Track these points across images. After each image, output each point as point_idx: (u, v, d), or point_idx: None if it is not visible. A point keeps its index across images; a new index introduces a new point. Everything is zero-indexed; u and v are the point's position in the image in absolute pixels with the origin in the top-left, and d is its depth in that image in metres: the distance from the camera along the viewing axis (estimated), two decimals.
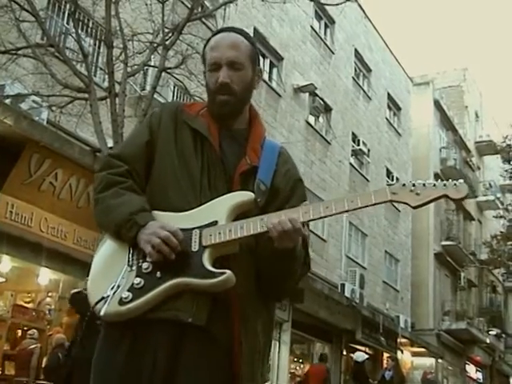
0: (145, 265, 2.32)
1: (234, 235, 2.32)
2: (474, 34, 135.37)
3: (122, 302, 2.27)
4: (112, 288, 2.29)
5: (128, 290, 2.28)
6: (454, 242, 32.80)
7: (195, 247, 2.32)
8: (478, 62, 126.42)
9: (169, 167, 2.49)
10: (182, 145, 2.53)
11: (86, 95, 10.79)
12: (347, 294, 21.81)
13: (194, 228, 2.36)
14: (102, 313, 2.25)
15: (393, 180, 28.66)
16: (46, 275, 12.96)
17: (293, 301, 18.86)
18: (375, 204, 2.35)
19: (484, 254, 34.87)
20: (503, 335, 39.06)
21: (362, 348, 23.81)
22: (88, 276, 2.45)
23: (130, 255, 2.37)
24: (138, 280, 2.30)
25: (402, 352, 27.06)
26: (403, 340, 26.40)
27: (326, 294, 20.58)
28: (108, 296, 2.27)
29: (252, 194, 2.40)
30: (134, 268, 2.34)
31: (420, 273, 30.86)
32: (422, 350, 29.27)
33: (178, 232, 2.31)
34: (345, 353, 23.76)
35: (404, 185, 2.36)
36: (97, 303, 2.27)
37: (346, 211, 2.37)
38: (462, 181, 2.35)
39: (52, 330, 12.82)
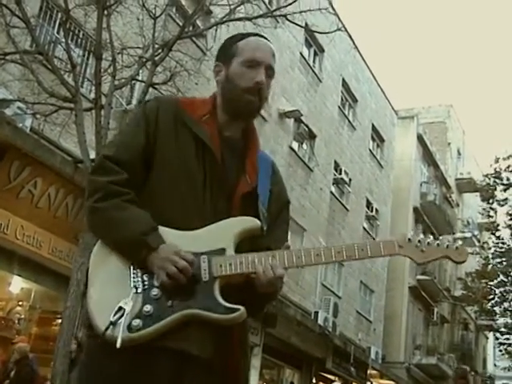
0: (154, 291, 2.26)
1: (246, 269, 2.30)
2: (459, 72, 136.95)
3: (131, 329, 2.21)
4: (117, 312, 2.22)
5: (137, 317, 2.22)
6: (429, 276, 32.86)
7: (205, 277, 2.28)
8: (462, 100, 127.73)
9: (169, 176, 2.39)
10: (185, 151, 2.42)
11: (72, 105, 10.74)
12: (320, 321, 21.73)
13: (201, 253, 2.30)
14: (118, 342, 2.17)
15: (372, 211, 28.76)
16: (17, 284, 12.81)
17: (265, 325, 18.78)
18: (384, 256, 2.42)
19: (458, 290, 34.98)
20: (472, 373, 39.08)
21: (332, 377, 23.71)
22: (87, 288, 2.35)
23: (134, 276, 2.29)
24: (148, 307, 2.24)
25: None
26: (373, 372, 26.35)
27: (298, 321, 20.50)
28: (116, 321, 2.20)
29: (258, 221, 2.37)
30: (140, 291, 2.26)
31: (394, 305, 30.86)
32: (392, 382, 29.18)
33: (195, 261, 2.27)
34: (314, 381, 23.68)
35: (410, 240, 2.41)
36: (106, 329, 2.19)
37: (354, 260, 2.43)
38: (461, 243, 2.51)
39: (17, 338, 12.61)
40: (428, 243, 2.40)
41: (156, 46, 11.63)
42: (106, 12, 10.98)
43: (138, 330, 2.21)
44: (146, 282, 2.27)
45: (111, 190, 2.34)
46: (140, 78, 12.40)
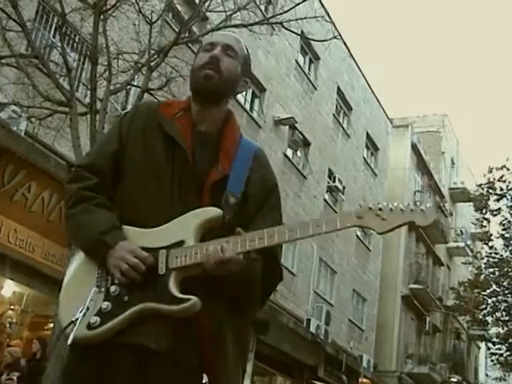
0: (113, 288, 2.30)
1: (200, 259, 2.27)
2: (454, 82, 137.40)
3: (90, 327, 2.25)
4: (81, 311, 2.26)
5: (96, 315, 2.26)
6: (421, 285, 32.88)
7: (162, 270, 2.29)
8: (457, 110, 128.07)
9: (137, 177, 2.44)
10: (152, 152, 2.47)
11: (67, 109, 10.73)
12: (312, 329, 21.72)
13: (160, 248, 2.32)
14: (69, 339, 2.21)
15: None
16: (9, 287, 12.76)
17: (257, 332, 18.74)
18: (340, 229, 2.25)
19: (451, 300, 34.95)
20: (464, 382, 39.07)
21: None
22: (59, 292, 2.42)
23: (99, 275, 2.34)
24: (105, 304, 2.28)
25: None
26: (365, 380, 26.30)
27: (291, 328, 20.49)
28: (77, 320, 2.24)
29: (219, 210, 2.34)
30: (103, 290, 2.31)
31: (386, 314, 30.86)
32: None
33: (148, 259, 2.29)
34: None
35: (370, 208, 2.25)
36: (66, 327, 2.24)
37: (311, 236, 2.27)
38: (430, 205, 2.28)
39: (11, 341, 12.57)
40: (390, 209, 2.23)
41: (152, 51, 11.64)
42: (102, 17, 10.98)
43: (95, 328, 2.24)
44: (108, 281, 2.32)
45: (81, 195, 2.45)
46: (135, 84, 12.40)
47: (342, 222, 2.25)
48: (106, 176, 2.48)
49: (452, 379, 36.58)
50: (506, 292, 30.16)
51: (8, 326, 13.28)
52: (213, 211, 2.34)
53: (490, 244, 31.22)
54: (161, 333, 2.24)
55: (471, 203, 33.80)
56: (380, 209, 2.24)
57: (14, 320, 13.34)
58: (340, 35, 18.75)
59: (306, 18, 13.48)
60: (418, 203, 2.27)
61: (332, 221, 2.25)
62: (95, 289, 2.31)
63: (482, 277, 31.19)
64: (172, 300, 2.23)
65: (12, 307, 13.38)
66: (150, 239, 2.34)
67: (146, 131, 2.51)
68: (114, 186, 2.48)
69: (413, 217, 2.22)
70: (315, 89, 24.70)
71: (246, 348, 2.50)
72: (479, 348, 45.55)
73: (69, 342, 2.21)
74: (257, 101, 21.22)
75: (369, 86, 29.77)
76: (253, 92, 21.03)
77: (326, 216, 2.30)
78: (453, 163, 41.25)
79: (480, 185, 31.07)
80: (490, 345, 33.95)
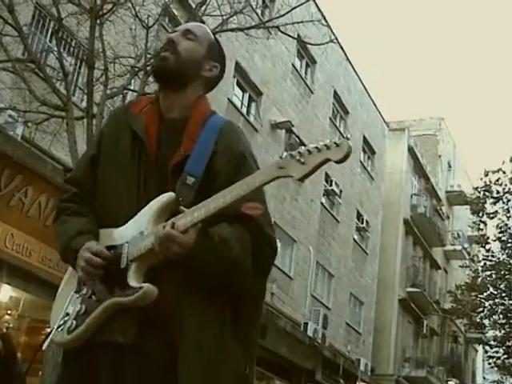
0: (84, 290, 2.33)
1: (151, 244, 2.22)
2: (451, 85, 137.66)
3: (68, 331, 2.29)
4: (62, 317, 2.31)
5: (74, 318, 2.30)
6: (419, 289, 32.90)
7: (123, 263, 2.28)
8: (453, 113, 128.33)
9: (109, 179, 2.45)
10: (121, 151, 2.47)
11: (63, 114, 10.73)
12: (310, 333, 21.70)
13: (124, 243, 2.32)
14: (44, 344, 2.26)
15: (363, 223, 28.82)
16: (6, 292, 12.73)
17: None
18: (264, 184, 2.17)
19: (448, 303, 34.97)
20: None
21: None
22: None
23: (78, 281, 2.38)
24: (79, 306, 2.31)
25: None
26: None
27: (288, 332, 20.47)
28: (59, 326, 2.30)
29: (172, 193, 2.29)
30: (80, 294, 2.35)
31: (383, 317, 30.86)
32: None
33: (103, 252, 2.29)
34: None
35: (292, 155, 2.15)
36: (47, 335, 2.30)
37: (245, 194, 2.15)
38: (345, 139, 2.14)
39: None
40: (308, 151, 2.11)
41: (148, 55, 11.63)
42: (98, 21, 10.98)
43: (72, 331, 2.28)
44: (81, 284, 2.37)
45: (59, 208, 2.56)
46: (132, 88, 12.39)
47: (264, 177, 2.17)
48: (84, 184, 2.53)
49: (449, 382, 36.59)
50: (503, 295, 30.19)
51: (5, 330, 13.24)
52: (165, 196, 2.29)
53: (487, 247, 31.23)
54: (127, 326, 2.24)
55: (468, 206, 33.84)
56: (299, 152, 2.14)
57: (11, 325, 13.29)
58: (336, 39, 18.77)
59: (302, 21, 13.50)
60: (333, 139, 2.14)
61: (260, 175, 2.18)
62: (74, 294, 2.36)
63: (479, 280, 31.21)
64: (128, 291, 2.22)
65: (9, 312, 13.34)
66: (117, 237, 2.36)
67: (118, 133, 2.52)
68: (93, 191, 2.52)
69: (328, 154, 2.12)
70: (312, 92, 24.72)
71: (244, 331, 2.40)
72: (477, 351, 45.58)
73: (43, 346, 2.27)
74: (253, 104, 21.23)
75: (365, 89, 29.81)
76: (249, 96, 21.04)
77: (256, 172, 2.24)
78: (449, 166, 41.31)
79: (476, 188, 31.10)
80: (488, 348, 33.93)
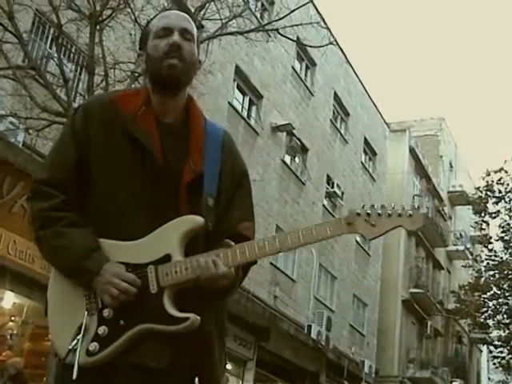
0: (105, 312, 2.25)
1: (192, 275, 2.23)
2: (451, 85, 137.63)
3: (89, 354, 2.21)
4: (77, 338, 2.22)
5: (94, 340, 2.22)
6: (422, 289, 32.85)
7: (153, 288, 2.24)
8: (454, 113, 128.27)
9: (107, 186, 2.33)
10: (119, 157, 2.34)
11: (64, 120, 10.73)
12: (313, 335, 21.68)
13: (147, 264, 2.26)
14: (74, 372, 2.17)
15: None
16: (10, 299, 12.74)
17: (258, 339, 18.74)
18: (331, 237, 2.23)
19: (451, 303, 34.94)
20: None
21: None
22: (47, 316, 2.39)
23: (87, 297, 2.29)
24: (102, 329, 2.23)
25: None
26: None
27: (291, 335, 20.47)
28: (75, 348, 2.21)
29: (202, 219, 2.26)
30: (95, 313, 2.26)
31: (387, 319, 30.81)
32: None
33: (136, 281, 2.23)
34: None
35: (359, 214, 2.21)
36: (66, 357, 2.21)
37: (303, 245, 2.25)
38: (416, 207, 2.25)
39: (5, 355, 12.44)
40: (378, 214, 2.19)
41: None
42: (98, 27, 11.01)
43: (95, 354, 2.21)
44: (98, 303, 2.27)
45: (48, 217, 2.31)
46: None
47: (332, 230, 2.23)
48: (70, 190, 2.35)
49: (454, 383, 36.53)
50: (507, 294, 30.18)
51: (9, 337, 13.24)
52: (196, 220, 2.27)
53: (490, 247, 31.26)
54: (159, 350, 2.22)
55: (470, 206, 33.85)
56: (368, 214, 2.21)
57: (15, 331, 13.30)
58: (336, 41, 18.80)
59: (301, 24, 13.53)
60: (405, 207, 2.23)
61: (323, 229, 2.23)
62: (86, 313, 2.26)
63: (483, 280, 31.22)
64: (171, 320, 2.20)
65: (12, 319, 13.34)
66: (133, 254, 2.28)
67: (107, 133, 2.36)
68: (81, 198, 2.36)
69: (400, 221, 2.20)
70: (312, 95, 24.73)
71: (225, 338, 2.47)
72: (481, 351, 45.47)
73: (74, 376, 2.16)
74: (254, 108, 21.24)
75: (365, 91, 29.81)
76: (250, 99, 21.06)
77: (316, 224, 2.25)
78: (451, 166, 41.28)
79: (478, 188, 31.11)
80: (492, 348, 33.91)
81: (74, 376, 2.16)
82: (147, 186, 2.31)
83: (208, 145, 2.41)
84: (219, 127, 2.56)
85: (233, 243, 2.24)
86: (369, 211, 2.21)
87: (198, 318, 2.19)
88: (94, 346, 2.22)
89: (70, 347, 2.21)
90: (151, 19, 2.54)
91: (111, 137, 2.36)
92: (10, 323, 13.38)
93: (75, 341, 2.22)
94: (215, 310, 2.38)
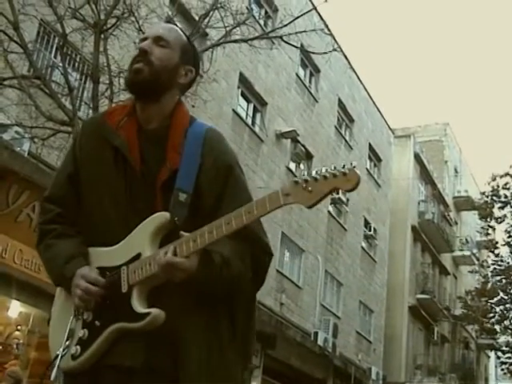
0: (85, 315, 2.32)
1: (154, 269, 2.23)
2: (455, 90, 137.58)
3: (73, 357, 2.28)
4: (64, 342, 2.29)
5: (77, 344, 2.29)
6: (428, 295, 32.79)
7: (124, 288, 2.28)
8: (458, 118, 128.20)
9: (94, 196, 2.41)
10: (104, 167, 2.41)
11: (70, 128, 10.76)
12: (320, 342, 21.65)
13: (121, 265, 2.30)
14: (52, 375, 2.22)
15: (370, 230, 28.76)
16: (16, 308, 12.74)
17: (265, 347, 18.70)
18: (270, 211, 2.14)
19: (458, 309, 34.88)
20: None
21: None
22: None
23: (74, 306, 2.36)
24: (82, 332, 2.30)
25: None
26: None
27: (298, 342, 20.43)
28: (63, 353, 2.27)
29: (166, 214, 2.26)
30: (80, 318, 2.33)
31: (394, 325, 30.74)
32: None
33: (99, 280, 2.28)
34: None
35: (297, 182, 2.10)
36: (52, 362, 2.27)
37: (246, 223, 2.16)
38: (353, 164, 2.07)
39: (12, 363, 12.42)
40: (315, 179, 2.06)
41: None
42: (102, 36, 11.03)
43: (78, 357, 2.27)
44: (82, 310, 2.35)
45: (42, 230, 2.48)
46: None
47: (271, 204, 2.13)
48: (65, 203, 2.47)
49: None
50: None
51: (15, 346, 13.23)
52: (159, 216, 2.27)
53: (496, 252, 31.21)
54: (134, 349, 2.24)
55: (476, 211, 33.81)
56: (306, 180, 2.09)
57: (21, 341, 13.29)
58: (340, 47, 18.83)
59: (305, 31, 13.53)
60: (341, 166, 2.08)
61: (262, 204, 2.15)
62: (73, 318, 2.34)
63: (489, 285, 31.17)
64: (135, 316, 2.23)
65: (19, 328, 13.34)
66: (110, 258, 2.33)
67: (95, 147, 2.45)
68: (77, 210, 2.46)
69: (336, 182, 2.06)
70: (316, 101, 24.75)
71: (225, 350, 2.35)
72: (489, 357, 45.35)
73: (51, 377, 2.22)
74: (258, 115, 21.25)
75: (370, 97, 29.83)
76: (254, 106, 21.08)
77: (256, 200, 2.18)
78: (456, 172, 41.25)
79: (484, 193, 31.10)
80: (500, 354, 33.80)
81: (52, 378, 2.21)
82: (128, 193, 2.36)
83: (188, 144, 2.39)
84: (204, 125, 2.52)
85: (186, 234, 2.20)
86: (305, 178, 2.09)
87: (162, 313, 2.19)
88: (75, 349, 2.28)
89: (58, 353, 2.28)
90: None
91: (97, 149, 2.45)
92: (16, 332, 13.37)
93: (62, 345, 2.28)
94: (211, 315, 2.33)
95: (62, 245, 2.39)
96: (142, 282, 2.26)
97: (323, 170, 2.08)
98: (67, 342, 2.28)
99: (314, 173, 2.09)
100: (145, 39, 2.49)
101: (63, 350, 2.27)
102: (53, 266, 2.40)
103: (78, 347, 2.28)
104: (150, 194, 2.34)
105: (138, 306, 2.24)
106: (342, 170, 2.06)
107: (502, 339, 33.18)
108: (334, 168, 2.07)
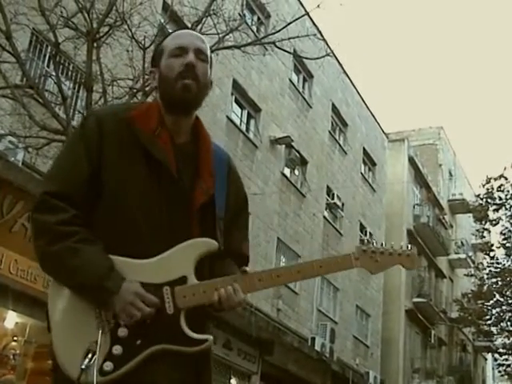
0: (121, 331, 2.22)
1: (209, 299, 2.29)
2: (449, 94, 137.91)
3: (103, 373, 2.18)
4: (87, 356, 2.17)
5: (108, 360, 2.19)
6: (425, 299, 32.81)
7: (170, 309, 2.25)
8: (452, 121, 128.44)
9: (121, 203, 2.28)
10: (135, 174, 2.31)
11: (64, 138, 10.74)
12: (317, 347, 21.61)
13: (163, 284, 2.26)
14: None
15: (366, 235, 28.75)
16: (12, 319, 12.68)
17: (262, 353, 18.67)
18: (341, 270, 2.48)
19: (455, 312, 34.89)
20: None
21: None
22: (49, 324, 2.32)
23: (98, 316, 2.24)
24: (117, 348, 2.21)
25: None
26: None
27: (295, 347, 20.38)
28: (87, 367, 2.16)
29: (216, 243, 2.31)
30: (107, 331, 2.22)
31: (390, 329, 30.74)
32: None
33: (154, 302, 2.23)
34: None
35: (364, 251, 2.47)
36: (79, 377, 2.15)
37: (315, 276, 2.48)
38: (414, 250, 2.54)
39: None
40: (381, 252, 2.48)
41: (146, 76, 11.66)
42: (95, 44, 11.02)
43: (110, 373, 2.19)
44: (111, 322, 2.23)
45: (60, 231, 2.23)
46: None
47: (344, 264, 2.47)
48: (82, 205, 2.29)
49: None
50: (510, 302, 30.13)
51: (12, 357, 13.17)
52: (211, 245, 2.32)
53: (492, 254, 31.24)
54: (171, 369, 2.25)
55: (471, 214, 33.85)
56: (373, 251, 2.47)
57: (18, 351, 13.23)
58: (332, 52, 18.82)
59: (298, 36, 13.55)
60: (402, 247, 2.53)
61: (335, 262, 2.46)
62: (98, 330, 2.22)
63: (485, 287, 31.17)
64: (190, 342, 2.24)
65: (15, 338, 13.27)
66: (147, 273, 2.26)
67: (122, 149, 2.33)
68: (91, 214, 2.30)
69: (400, 260, 2.51)
70: (310, 107, 24.77)
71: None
72: (486, 359, 45.37)
73: None
74: (252, 121, 21.26)
75: (363, 101, 29.87)
76: (248, 113, 21.08)
77: (328, 258, 2.50)
78: (450, 175, 41.33)
79: (478, 195, 31.13)
80: (497, 356, 33.82)
81: None
82: (163, 206, 2.31)
83: (217, 169, 2.44)
84: (224, 151, 2.59)
85: (248, 269, 2.33)
86: (373, 249, 2.48)
87: (212, 338, 2.26)
88: (108, 365, 2.19)
89: (83, 366, 2.16)
90: (162, 40, 2.54)
91: (126, 151, 2.32)
92: (13, 343, 13.31)
93: (87, 359, 2.18)
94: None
95: (92, 252, 2.22)
96: (190, 308, 2.28)
97: (389, 247, 2.52)
98: (90, 355, 2.17)
99: (379, 245, 2.50)
100: (184, 49, 2.40)
101: (87, 364, 2.17)
102: (85, 275, 2.19)
103: (111, 363, 2.18)
104: (185, 213, 2.34)
105: (189, 331, 2.25)
106: (407, 252, 2.52)
107: (499, 341, 33.19)
108: (400, 247, 2.53)
